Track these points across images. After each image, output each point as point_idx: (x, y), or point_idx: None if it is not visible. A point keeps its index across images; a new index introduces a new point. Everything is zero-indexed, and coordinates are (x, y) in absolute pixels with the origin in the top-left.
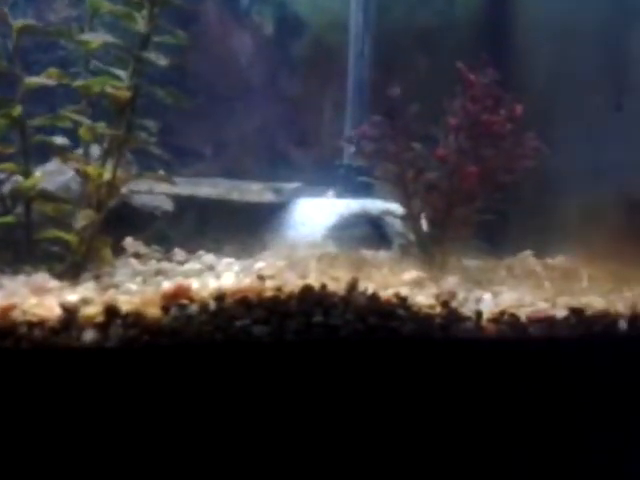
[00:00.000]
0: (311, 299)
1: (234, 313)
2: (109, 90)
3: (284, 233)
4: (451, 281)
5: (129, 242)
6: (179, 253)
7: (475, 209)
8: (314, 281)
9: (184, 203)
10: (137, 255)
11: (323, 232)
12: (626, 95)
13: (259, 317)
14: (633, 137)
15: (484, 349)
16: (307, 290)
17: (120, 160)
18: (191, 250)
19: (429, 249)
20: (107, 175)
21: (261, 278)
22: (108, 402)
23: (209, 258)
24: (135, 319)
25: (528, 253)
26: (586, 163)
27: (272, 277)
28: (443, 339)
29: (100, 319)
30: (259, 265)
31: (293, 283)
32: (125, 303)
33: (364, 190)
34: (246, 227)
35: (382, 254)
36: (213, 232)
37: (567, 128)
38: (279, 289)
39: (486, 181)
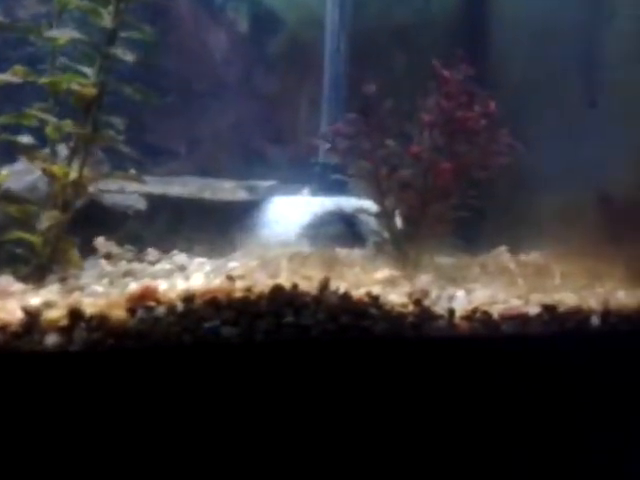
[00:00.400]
0: (282, 299)
1: (203, 314)
2: (74, 87)
3: (258, 232)
4: (424, 279)
5: (101, 242)
6: (152, 253)
7: (450, 206)
8: (285, 281)
9: (157, 203)
10: (109, 256)
11: (297, 231)
12: (600, 92)
13: (228, 318)
14: (607, 134)
15: (457, 347)
16: (277, 290)
17: (87, 159)
18: (165, 250)
19: (403, 247)
20: (73, 174)
21: (230, 279)
22: (72, 407)
23: (181, 258)
24: (100, 322)
25: (502, 249)
26: (561, 160)
27: (242, 277)
28: (415, 338)
29: (63, 322)
30: (231, 265)
31: (263, 283)
32: (90, 306)
33: (339, 188)
34: (219, 226)
35: (356, 252)
36: (186, 232)
37: (542, 125)
38: (249, 289)
39: (460, 178)
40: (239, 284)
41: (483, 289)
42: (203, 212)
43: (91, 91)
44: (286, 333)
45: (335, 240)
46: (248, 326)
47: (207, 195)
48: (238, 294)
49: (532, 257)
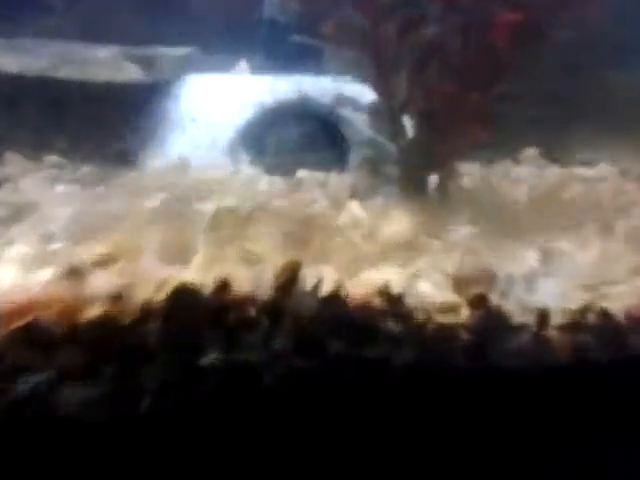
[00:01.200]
0: (194, 314)
1: (14, 359)
2: None
3: (156, 140)
4: (464, 234)
5: None
6: None
7: (500, 91)
8: (203, 269)
9: None
10: None
11: (230, 136)
12: None
13: (72, 365)
14: None
15: (554, 388)
16: (186, 293)
17: None
18: None
19: (419, 166)
20: None
21: (75, 274)
22: None
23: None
24: None
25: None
26: None
27: (106, 262)
28: (475, 373)
29: None
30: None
31: (154, 276)
32: None
33: (303, 59)
34: (84, 129)
35: (335, 180)
36: (28, 139)
37: None
38: (118, 297)
39: (519, 42)
40: (100, 281)
41: (575, 249)
42: (62, 101)
43: None
44: (203, 388)
45: (297, 152)
46: (117, 381)
47: (65, 73)
48: (94, 311)
49: (602, 170)
